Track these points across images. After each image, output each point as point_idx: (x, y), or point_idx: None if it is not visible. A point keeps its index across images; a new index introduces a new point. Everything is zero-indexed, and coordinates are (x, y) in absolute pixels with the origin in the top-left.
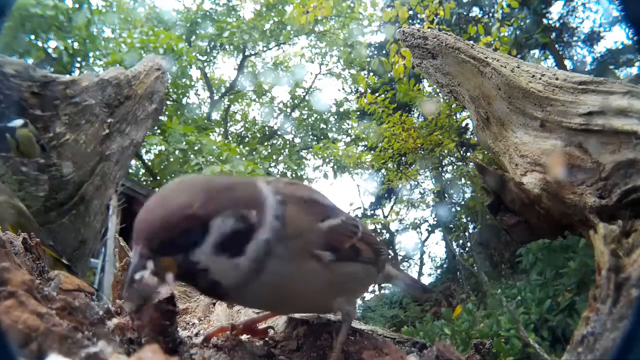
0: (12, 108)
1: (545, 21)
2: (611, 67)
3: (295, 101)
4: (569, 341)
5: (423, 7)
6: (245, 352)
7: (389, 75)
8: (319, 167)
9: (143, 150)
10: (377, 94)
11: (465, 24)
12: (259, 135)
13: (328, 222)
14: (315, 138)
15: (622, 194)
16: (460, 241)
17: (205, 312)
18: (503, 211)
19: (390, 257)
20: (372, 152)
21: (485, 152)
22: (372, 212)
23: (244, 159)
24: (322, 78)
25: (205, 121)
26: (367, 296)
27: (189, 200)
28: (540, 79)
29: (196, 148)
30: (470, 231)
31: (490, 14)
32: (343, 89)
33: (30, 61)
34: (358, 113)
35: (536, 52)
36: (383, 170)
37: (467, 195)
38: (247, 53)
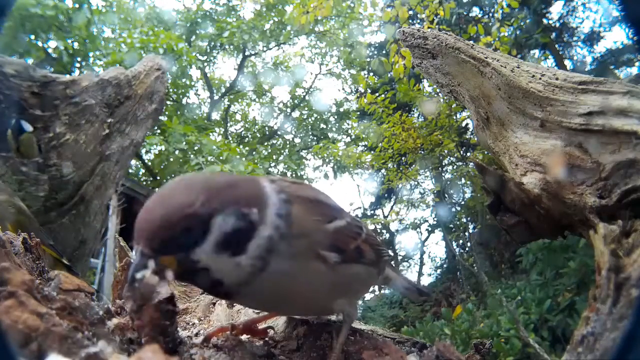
0: (12, 108)
1: (545, 21)
2: (611, 67)
3: (295, 101)
4: (569, 341)
5: (423, 7)
6: (245, 352)
7: (389, 75)
8: (319, 167)
9: (143, 150)
10: (377, 94)
11: (465, 24)
12: (259, 135)
13: (335, 223)
14: (315, 138)
15: (622, 194)
16: (460, 241)
17: (205, 312)
18: (503, 211)
19: (390, 258)
20: (372, 152)
21: (485, 152)
22: (372, 212)
23: (244, 159)
24: (322, 78)
25: (205, 121)
26: (367, 296)
27: (189, 199)
28: (540, 79)
29: (196, 148)
30: (470, 231)
31: (490, 14)
32: (343, 89)
33: (30, 61)
34: (358, 113)
35: (536, 52)
36: (383, 170)
37: (467, 195)
38: (247, 53)
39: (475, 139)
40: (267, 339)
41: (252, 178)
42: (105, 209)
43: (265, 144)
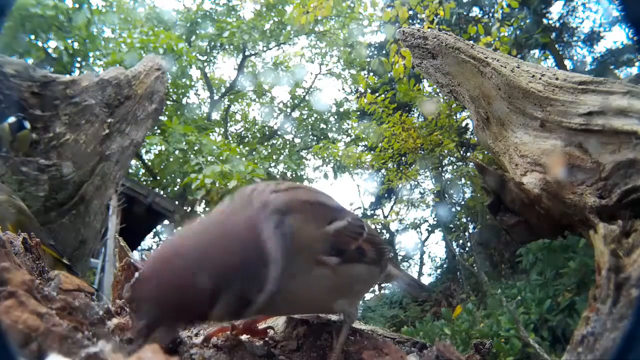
0: (12, 108)
1: (545, 21)
2: (611, 67)
3: (295, 101)
4: (569, 341)
5: (423, 7)
6: (245, 352)
7: (389, 75)
8: (319, 167)
9: (143, 150)
10: (377, 94)
11: (465, 24)
12: (259, 135)
13: (335, 225)
14: (315, 138)
15: (622, 194)
16: (460, 241)
17: None
18: (503, 211)
19: (392, 256)
20: (372, 152)
21: (485, 152)
22: (372, 212)
23: (244, 159)
24: (322, 78)
25: (205, 121)
26: (367, 296)
27: (188, 284)
28: (540, 79)
29: (196, 148)
30: (470, 231)
31: (490, 14)
32: (343, 89)
33: (30, 61)
34: (358, 113)
35: (536, 52)
36: (383, 170)
37: (467, 195)
38: (247, 53)
39: (475, 139)
40: (267, 339)
41: (248, 225)
42: (105, 209)
43: (265, 144)
